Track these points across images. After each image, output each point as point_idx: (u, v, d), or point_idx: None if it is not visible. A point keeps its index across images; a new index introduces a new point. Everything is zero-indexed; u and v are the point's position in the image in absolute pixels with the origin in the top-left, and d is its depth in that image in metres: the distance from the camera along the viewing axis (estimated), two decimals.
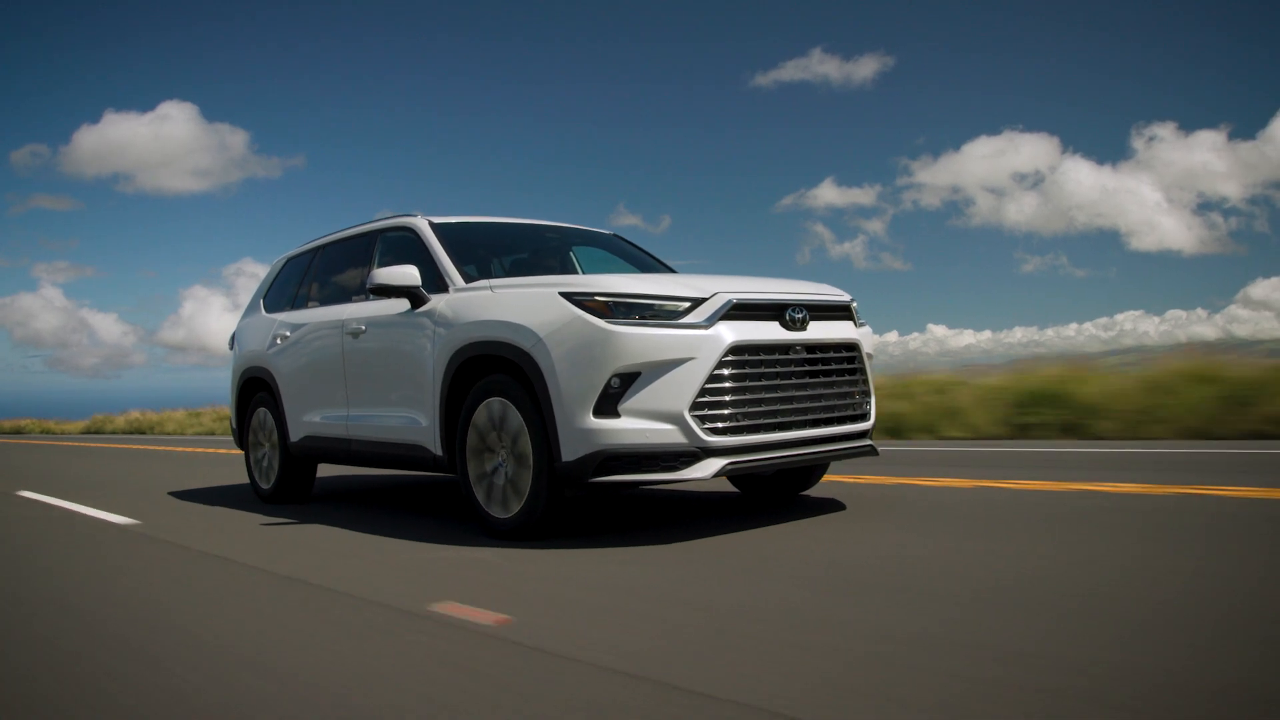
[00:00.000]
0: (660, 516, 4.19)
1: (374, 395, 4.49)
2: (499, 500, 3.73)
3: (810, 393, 3.72)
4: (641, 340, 3.36)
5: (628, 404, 3.36)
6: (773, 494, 4.63)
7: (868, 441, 3.98)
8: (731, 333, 3.46)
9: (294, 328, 5.25)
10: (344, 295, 4.97)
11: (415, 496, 5.52)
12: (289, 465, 5.31)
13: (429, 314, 4.10)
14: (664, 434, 3.35)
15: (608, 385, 3.35)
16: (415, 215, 4.65)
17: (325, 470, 7.65)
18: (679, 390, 3.36)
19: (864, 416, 3.98)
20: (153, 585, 3.24)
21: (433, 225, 4.52)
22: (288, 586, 3.07)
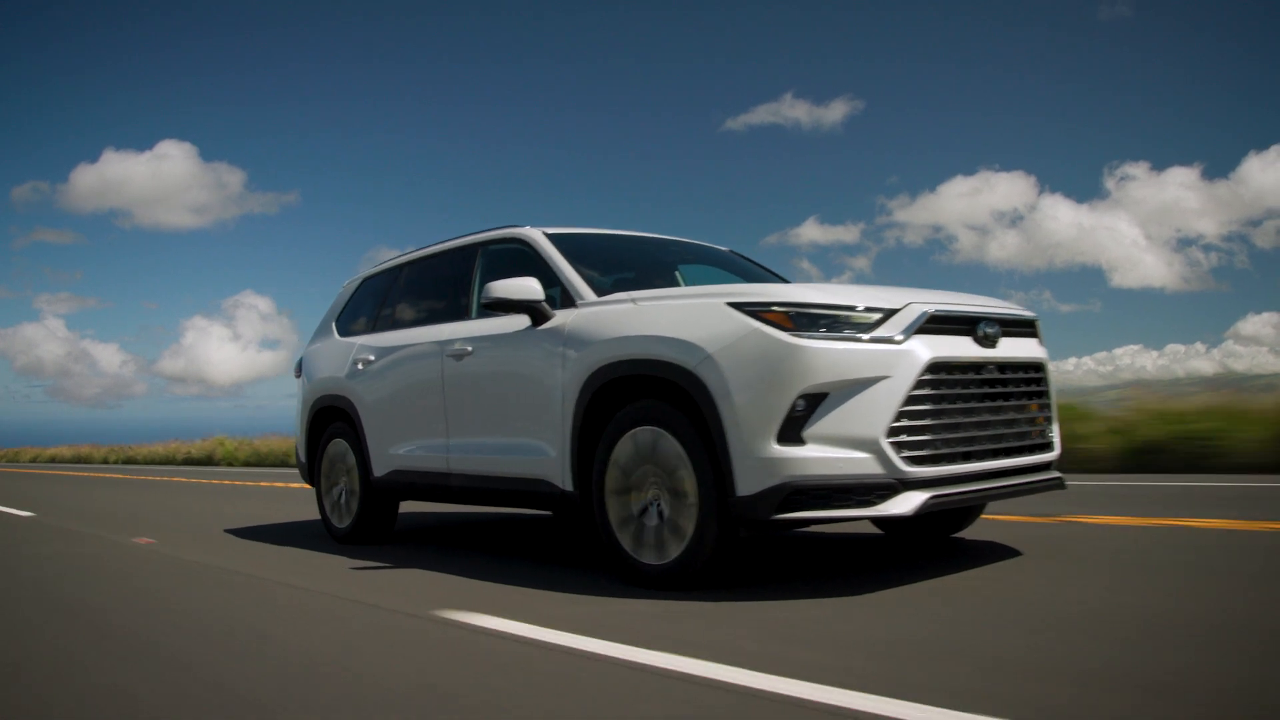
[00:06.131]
0: (804, 561, 3.71)
1: (484, 424, 4.02)
2: (650, 544, 3.24)
3: (1004, 417, 3.26)
4: (831, 356, 2.90)
5: (813, 429, 2.90)
6: (921, 536, 4.14)
7: (1056, 474, 3.51)
8: (927, 348, 3.02)
9: (379, 351, 4.80)
10: (440, 315, 4.53)
11: (505, 534, 5.02)
12: (371, 502, 4.82)
13: (554, 332, 3.65)
14: (857, 463, 2.89)
15: (792, 407, 2.90)
16: (524, 226, 4.24)
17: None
18: (873, 413, 2.90)
19: (1049, 445, 3.52)
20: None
21: (548, 236, 4.11)
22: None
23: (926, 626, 2.51)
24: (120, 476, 16.46)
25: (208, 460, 21.79)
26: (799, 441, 2.89)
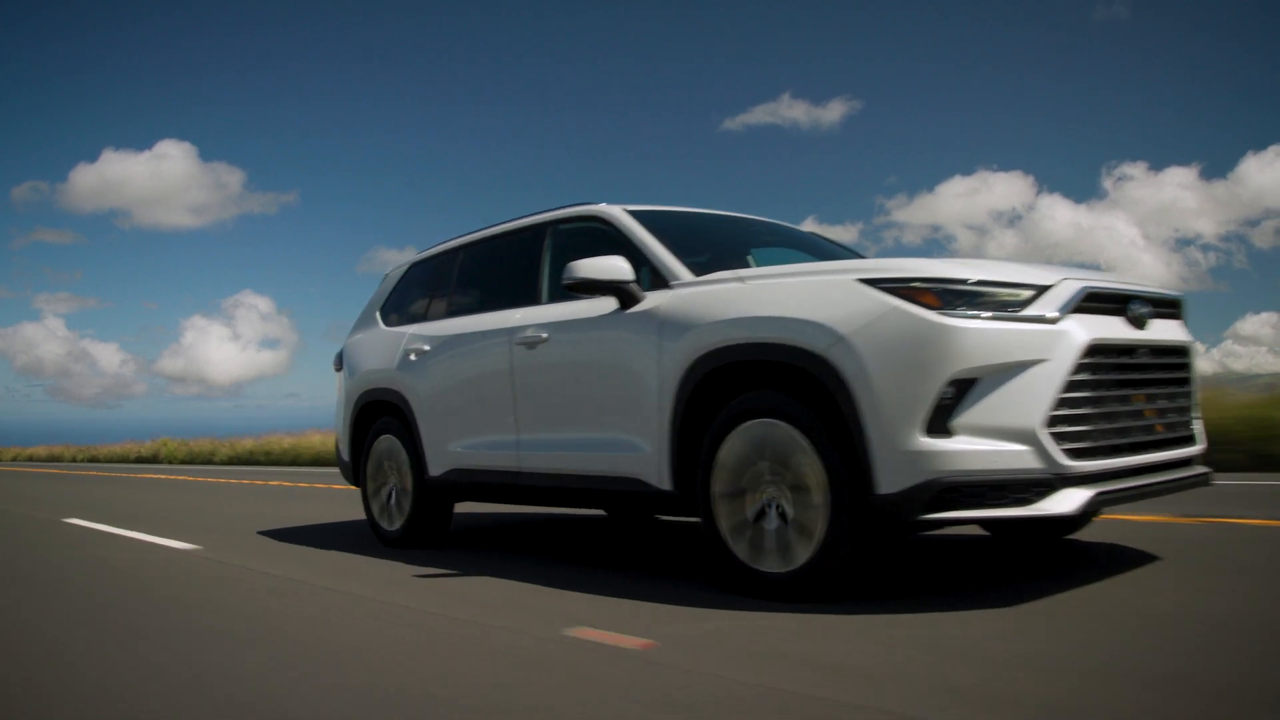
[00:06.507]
0: (916, 566, 3.40)
1: (563, 417, 3.69)
2: (770, 549, 2.91)
3: (1158, 406, 2.96)
4: (984, 337, 2.59)
5: (962, 419, 2.58)
6: (1029, 538, 3.82)
7: (1204, 468, 3.20)
8: (1084, 329, 2.70)
9: (436, 340, 4.47)
10: (504, 300, 4.19)
11: (554, 537, 4.70)
12: (426, 503, 4.49)
13: (647, 315, 3.33)
14: (1013, 457, 2.57)
15: (941, 395, 2.58)
16: (601, 204, 3.92)
17: None
18: (1029, 401, 2.59)
19: (1194, 438, 3.21)
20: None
21: (630, 213, 3.79)
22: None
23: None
24: (109, 475, 16.09)
25: (153, 459, 24.05)
26: (947, 433, 2.58)
